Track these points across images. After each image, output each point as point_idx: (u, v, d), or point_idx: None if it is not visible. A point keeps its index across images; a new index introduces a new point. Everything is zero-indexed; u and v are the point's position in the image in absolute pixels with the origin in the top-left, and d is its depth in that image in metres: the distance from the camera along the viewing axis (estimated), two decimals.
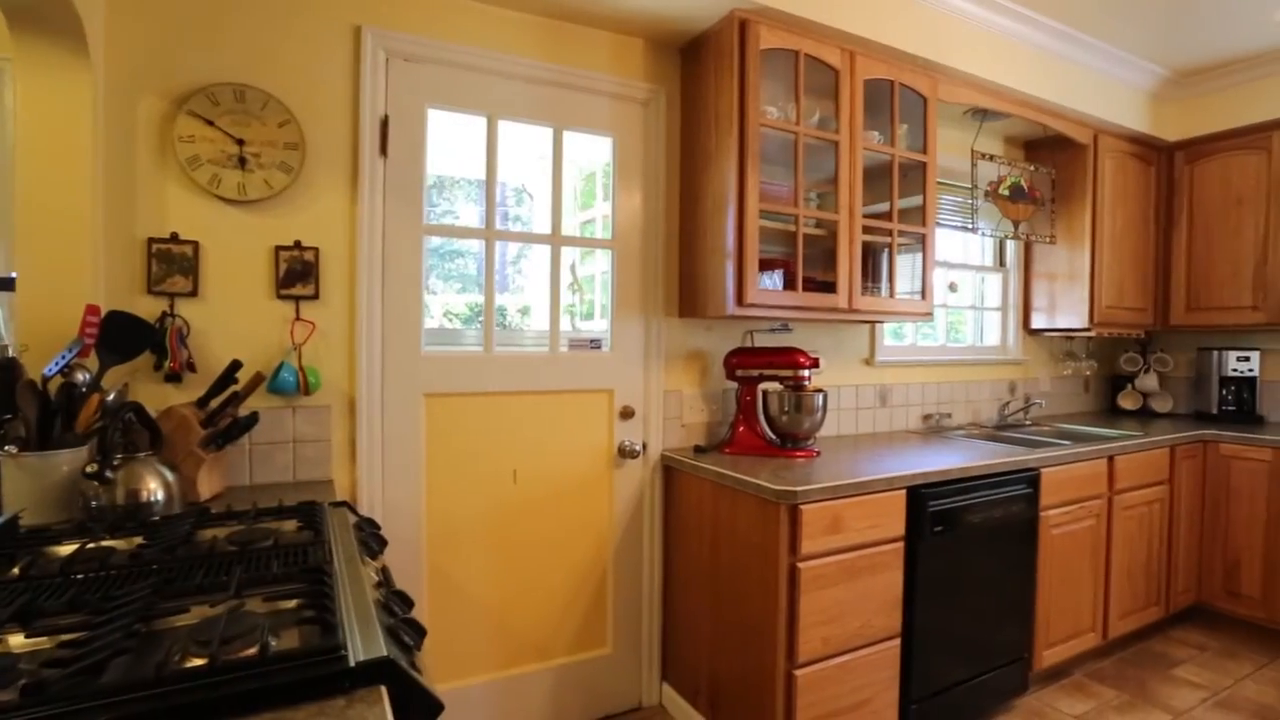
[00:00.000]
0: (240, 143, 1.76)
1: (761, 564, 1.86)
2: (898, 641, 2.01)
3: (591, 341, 2.29)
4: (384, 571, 1.16)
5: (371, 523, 1.41)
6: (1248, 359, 3.34)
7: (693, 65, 2.31)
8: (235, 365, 1.68)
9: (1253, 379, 3.34)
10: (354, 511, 1.50)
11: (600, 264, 2.44)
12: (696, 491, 2.18)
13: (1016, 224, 3.08)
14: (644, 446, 2.34)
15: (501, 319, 2.56)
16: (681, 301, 2.36)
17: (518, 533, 2.17)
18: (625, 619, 2.36)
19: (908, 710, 2.05)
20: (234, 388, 1.70)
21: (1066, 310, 3.29)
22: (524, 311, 2.60)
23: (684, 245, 2.35)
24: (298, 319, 1.86)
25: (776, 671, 1.81)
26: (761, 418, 2.29)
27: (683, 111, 2.37)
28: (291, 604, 0.87)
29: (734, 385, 2.43)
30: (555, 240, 2.22)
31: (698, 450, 2.32)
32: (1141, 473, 2.81)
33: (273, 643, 0.76)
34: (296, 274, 1.86)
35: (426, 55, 2.00)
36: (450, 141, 2.26)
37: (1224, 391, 3.39)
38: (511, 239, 2.32)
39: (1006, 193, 3.03)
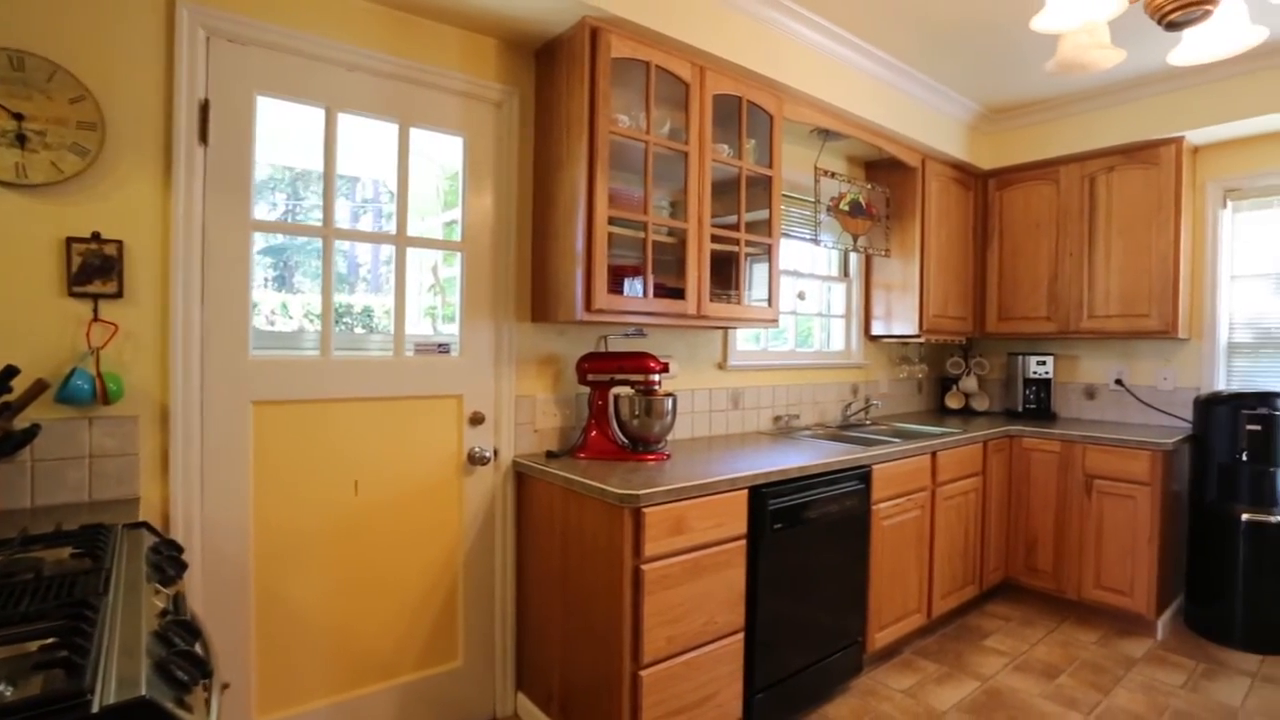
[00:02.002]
0: (19, 117, 1.55)
1: (608, 567, 1.88)
2: (741, 635, 2.10)
3: (440, 346, 2.22)
4: (177, 599, 1.06)
5: (172, 545, 1.28)
6: (1045, 363, 3.80)
7: (547, 69, 2.30)
8: (10, 371, 1.47)
9: (1048, 380, 3.81)
10: (154, 532, 1.36)
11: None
12: (547, 497, 2.17)
13: (855, 238, 3.33)
14: (495, 453, 2.30)
15: (368, 320, 2.43)
16: (534, 306, 2.34)
17: (360, 546, 2.06)
18: (478, 629, 2.31)
19: (752, 700, 2.15)
20: (7, 397, 1.49)
21: (901, 318, 3.60)
22: (389, 313, 2.49)
23: (536, 249, 2.34)
24: (96, 320, 1.66)
25: (622, 673, 1.84)
26: (613, 422, 2.32)
27: (537, 115, 2.36)
28: (36, 646, 0.77)
29: (587, 390, 2.44)
30: (400, 241, 2.13)
31: (550, 456, 2.31)
32: (960, 466, 3.12)
33: (4, 693, 0.67)
34: (94, 269, 1.66)
35: (255, 38, 1.85)
36: (313, 134, 2.13)
37: (1027, 392, 3.84)
38: (351, 238, 2.20)
39: (846, 208, 3.27)
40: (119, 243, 1.68)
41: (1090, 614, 3.28)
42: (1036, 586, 3.41)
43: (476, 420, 2.27)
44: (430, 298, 2.50)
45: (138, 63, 1.71)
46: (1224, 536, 3.03)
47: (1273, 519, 2.95)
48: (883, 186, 3.53)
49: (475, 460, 2.25)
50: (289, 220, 2.22)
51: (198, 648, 0.86)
